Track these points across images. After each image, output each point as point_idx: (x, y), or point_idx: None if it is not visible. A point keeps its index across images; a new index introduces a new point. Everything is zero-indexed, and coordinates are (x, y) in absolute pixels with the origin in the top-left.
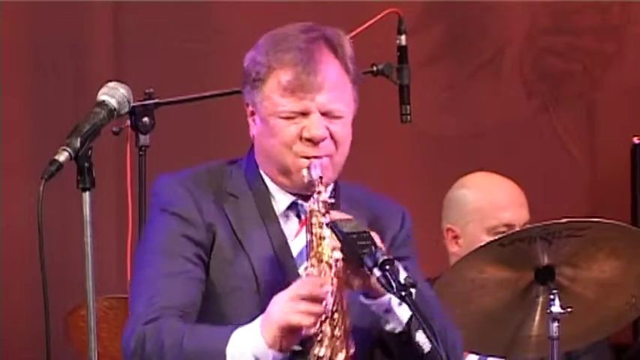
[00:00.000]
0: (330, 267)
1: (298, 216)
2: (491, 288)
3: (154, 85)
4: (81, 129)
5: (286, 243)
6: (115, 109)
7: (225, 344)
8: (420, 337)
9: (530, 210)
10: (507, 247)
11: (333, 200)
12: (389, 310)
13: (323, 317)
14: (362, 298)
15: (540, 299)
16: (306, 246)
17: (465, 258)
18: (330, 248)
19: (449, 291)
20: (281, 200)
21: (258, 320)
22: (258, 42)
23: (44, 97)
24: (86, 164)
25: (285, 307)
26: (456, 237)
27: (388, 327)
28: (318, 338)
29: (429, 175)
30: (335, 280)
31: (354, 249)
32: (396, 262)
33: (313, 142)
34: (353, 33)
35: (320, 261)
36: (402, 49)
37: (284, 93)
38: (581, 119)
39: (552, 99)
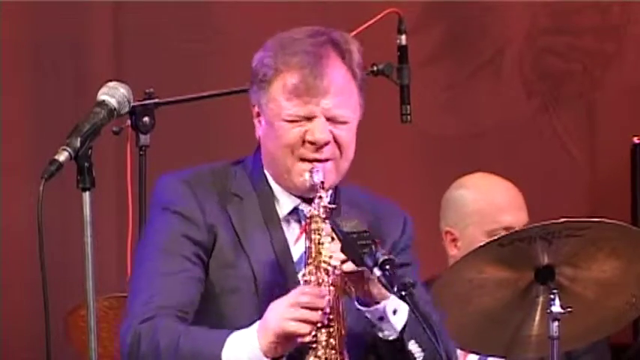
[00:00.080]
0: (328, 274)
1: (299, 221)
2: (490, 288)
3: (154, 85)
4: (81, 129)
5: (288, 248)
6: (115, 109)
7: (221, 348)
8: (413, 347)
9: (530, 210)
10: (507, 247)
11: (334, 206)
12: (383, 317)
13: (319, 325)
14: (357, 305)
15: (540, 299)
16: (305, 252)
17: (465, 258)
18: (329, 255)
19: (448, 291)
20: (285, 203)
21: (255, 326)
22: (266, 43)
23: (44, 97)
24: (86, 164)
25: (283, 314)
26: (454, 240)
27: (382, 334)
28: (313, 346)
29: (429, 175)
30: (332, 288)
31: (354, 248)
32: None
33: (316, 145)
34: (353, 33)
35: (318, 268)
36: (402, 49)
37: (290, 96)
38: (581, 119)
39: (552, 99)
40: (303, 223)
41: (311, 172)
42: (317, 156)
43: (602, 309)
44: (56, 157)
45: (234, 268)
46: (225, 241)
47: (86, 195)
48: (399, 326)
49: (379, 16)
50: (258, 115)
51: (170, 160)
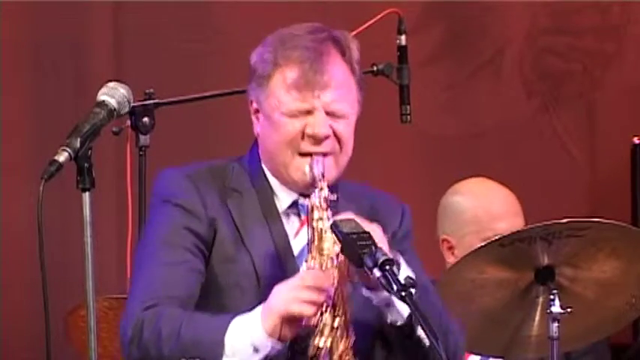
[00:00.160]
0: (332, 260)
1: (298, 215)
2: (491, 288)
3: (154, 85)
4: (81, 129)
5: (288, 241)
6: (114, 109)
7: (224, 333)
8: (422, 332)
9: (530, 210)
10: (507, 247)
11: (334, 197)
12: (390, 303)
13: (324, 308)
14: (364, 291)
15: (540, 299)
16: (308, 240)
17: (465, 258)
18: (332, 242)
19: (449, 291)
20: (283, 198)
21: (258, 309)
22: (266, 39)
23: (44, 97)
24: (86, 164)
25: (287, 296)
26: (451, 248)
27: (389, 320)
28: (319, 329)
29: (429, 175)
30: (336, 271)
31: (354, 249)
32: (398, 255)
33: (316, 139)
34: (353, 33)
35: (321, 254)
36: (402, 49)
37: (289, 90)
38: (581, 119)
39: (552, 99)
40: (303, 216)
41: (311, 164)
42: (316, 149)
43: (602, 309)
44: (56, 157)
45: (235, 263)
46: (226, 235)
47: (86, 195)
48: (406, 312)
49: (379, 16)
50: (257, 111)
51: (170, 160)
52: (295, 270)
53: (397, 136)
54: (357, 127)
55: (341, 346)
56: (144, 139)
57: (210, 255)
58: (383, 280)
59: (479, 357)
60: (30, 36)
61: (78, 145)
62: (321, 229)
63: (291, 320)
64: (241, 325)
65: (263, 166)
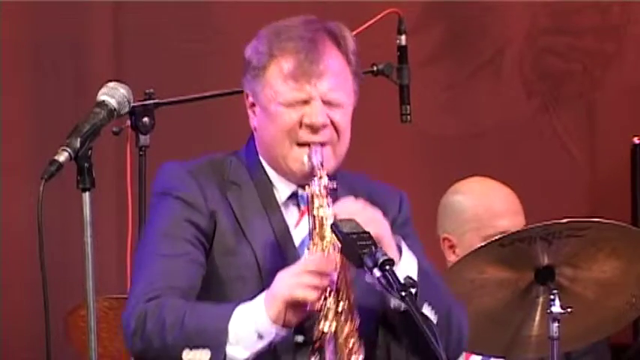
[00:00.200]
0: (334, 245)
1: (298, 206)
2: (491, 288)
3: (154, 85)
4: (81, 129)
5: (288, 232)
6: (115, 109)
7: (228, 321)
8: (426, 310)
9: (530, 210)
10: (507, 247)
11: (334, 185)
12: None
13: (327, 292)
14: (367, 277)
15: (540, 299)
16: (309, 228)
17: (465, 258)
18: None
19: None
20: (282, 190)
21: (262, 296)
22: (260, 32)
23: (44, 97)
24: (86, 164)
25: (291, 282)
26: (452, 246)
27: (393, 305)
28: (323, 313)
29: (429, 175)
30: (339, 256)
31: (354, 249)
32: (400, 240)
33: (313, 128)
34: (353, 33)
35: (323, 240)
36: (402, 49)
37: (286, 80)
38: (581, 119)
39: (552, 99)
40: (303, 207)
41: (309, 153)
42: (314, 139)
43: (602, 309)
44: (56, 157)
45: (236, 255)
46: (227, 227)
47: (86, 195)
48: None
49: (379, 16)
50: (253, 105)
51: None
52: (297, 260)
53: (397, 136)
54: (357, 127)
55: (346, 330)
56: (144, 139)
57: (211, 247)
58: (383, 280)
59: (479, 357)
60: (30, 36)
61: (78, 145)
62: (322, 217)
63: (295, 305)
64: (245, 312)
65: (260, 158)
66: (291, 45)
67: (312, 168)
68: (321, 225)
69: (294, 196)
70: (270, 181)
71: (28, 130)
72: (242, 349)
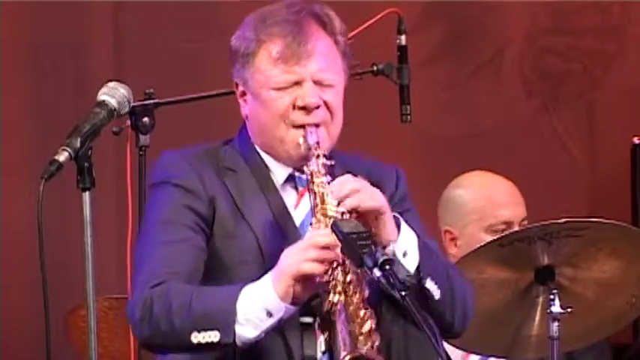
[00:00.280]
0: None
1: (295, 188)
2: (491, 288)
3: (154, 85)
4: (81, 129)
5: (288, 212)
6: (115, 109)
7: (235, 301)
8: (430, 284)
9: (530, 210)
10: (507, 247)
11: (332, 162)
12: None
13: (334, 265)
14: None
15: (540, 299)
16: (311, 205)
17: (465, 258)
18: (335, 203)
19: None
20: (279, 173)
21: (269, 275)
22: (244, 21)
23: (44, 97)
24: (86, 164)
25: (297, 257)
26: (454, 239)
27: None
28: (332, 285)
29: (429, 175)
30: None
31: (354, 249)
32: (399, 218)
33: (307, 109)
34: (353, 33)
35: (325, 216)
36: (402, 49)
37: (276, 63)
38: (581, 119)
39: (552, 99)
40: (301, 188)
41: (304, 134)
42: (308, 120)
43: (602, 309)
44: (56, 157)
45: (237, 239)
46: (226, 212)
47: (86, 195)
48: (411, 268)
49: (379, 16)
50: (243, 94)
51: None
52: (298, 240)
53: (397, 136)
54: (357, 127)
55: (355, 300)
56: (144, 139)
57: (211, 233)
58: (383, 280)
59: (479, 357)
60: (30, 36)
61: (78, 144)
62: (323, 193)
63: (303, 280)
64: (253, 291)
65: (254, 145)
66: (278, 29)
67: (309, 149)
68: (323, 201)
69: (291, 179)
70: (266, 166)
71: (28, 130)
72: (251, 329)
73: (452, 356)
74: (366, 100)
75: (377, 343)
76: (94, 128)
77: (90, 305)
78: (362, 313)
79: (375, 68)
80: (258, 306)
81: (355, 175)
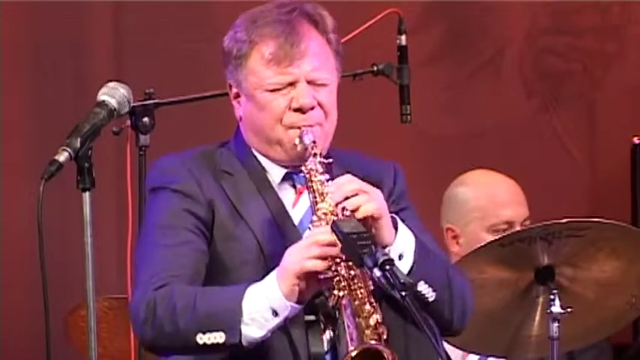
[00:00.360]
0: (337, 216)
1: (294, 186)
2: (491, 288)
3: (154, 85)
4: (81, 129)
5: (285, 211)
6: (115, 109)
7: (241, 300)
8: (423, 288)
9: (530, 210)
10: (507, 247)
11: (330, 160)
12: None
13: (337, 261)
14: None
15: (540, 299)
16: (310, 203)
17: (465, 258)
18: (335, 201)
19: None
20: (275, 173)
21: (273, 274)
22: (235, 22)
23: (44, 97)
24: (86, 164)
25: (300, 255)
26: (455, 237)
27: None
28: (336, 280)
29: (429, 175)
30: None
31: (354, 249)
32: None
33: (302, 111)
34: (353, 33)
35: (326, 214)
36: (402, 49)
37: (269, 65)
38: (581, 119)
39: (552, 99)
40: (299, 186)
41: (300, 135)
42: (304, 121)
43: (602, 309)
44: (56, 157)
45: (237, 241)
46: (224, 214)
47: (86, 195)
48: (406, 269)
49: (379, 16)
50: (237, 95)
51: None
52: (298, 238)
53: (397, 136)
54: (357, 127)
55: (360, 294)
56: (144, 139)
57: (212, 236)
58: (383, 280)
59: (478, 357)
60: (30, 36)
61: (78, 144)
62: (322, 191)
63: (306, 278)
64: (258, 291)
65: (250, 146)
66: (269, 30)
67: (305, 149)
68: (323, 200)
69: (288, 178)
70: (263, 167)
71: (28, 130)
72: (257, 328)
73: (452, 356)
74: (366, 100)
75: (384, 336)
76: (94, 128)
77: (90, 305)
78: (367, 307)
79: (375, 68)
80: (263, 305)
81: (353, 173)
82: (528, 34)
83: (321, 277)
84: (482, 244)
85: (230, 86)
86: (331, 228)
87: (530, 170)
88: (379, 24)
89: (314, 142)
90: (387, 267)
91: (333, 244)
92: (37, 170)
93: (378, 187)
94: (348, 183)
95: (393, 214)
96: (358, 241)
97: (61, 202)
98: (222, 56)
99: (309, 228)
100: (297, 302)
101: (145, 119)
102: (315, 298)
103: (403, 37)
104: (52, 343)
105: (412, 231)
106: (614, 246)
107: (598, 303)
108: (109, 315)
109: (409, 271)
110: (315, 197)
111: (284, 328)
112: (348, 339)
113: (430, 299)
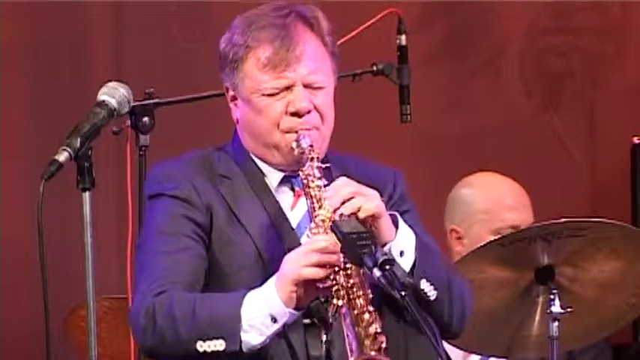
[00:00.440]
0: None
1: (292, 189)
2: (491, 288)
3: (154, 85)
4: (81, 129)
5: (283, 213)
6: (115, 109)
7: (240, 307)
8: (425, 286)
9: None
10: (507, 247)
11: (327, 165)
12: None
13: (336, 269)
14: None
15: (540, 299)
16: (308, 209)
17: (465, 258)
18: (332, 207)
19: None
20: (273, 177)
21: (272, 280)
22: (232, 24)
23: (44, 97)
24: (86, 164)
25: (298, 262)
26: (459, 238)
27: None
28: (335, 289)
29: (429, 175)
30: None
31: (354, 249)
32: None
33: (299, 115)
34: (353, 33)
35: (324, 220)
36: (402, 49)
37: (265, 69)
38: (582, 119)
39: (552, 99)
40: (297, 189)
41: (297, 140)
42: (301, 126)
43: (602, 309)
44: (56, 157)
45: (235, 246)
46: (222, 219)
47: (86, 195)
48: (407, 267)
49: (379, 16)
50: (234, 98)
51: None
52: (296, 241)
53: (397, 136)
54: (357, 127)
55: (359, 303)
56: (144, 139)
57: (210, 242)
58: (383, 280)
59: (479, 357)
60: (30, 36)
61: (78, 144)
62: (320, 197)
63: (305, 285)
64: (257, 297)
65: (247, 150)
66: (265, 34)
67: (302, 152)
68: (320, 206)
69: (286, 181)
70: (260, 170)
71: (28, 130)
72: (256, 335)
73: (452, 356)
74: (366, 100)
75: (384, 345)
76: (94, 128)
77: (90, 305)
78: (367, 316)
79: (375, 68)
80: (262, 312)
81: (352, 177)
82: (528, 34)
83: (320, 285)
84: (482, 244)
85: (227, 89)
86: (331, 228)
87: (530, 170)
88: (379, 24)
89: (311, 145)
90: (387, 267)
91: (332, 252)
92: (37, 170)
93: (377, 191)
94: (344, 186)
95: (393, 212)
96: (358, 241)
97: (61, 202)
98: (218, 59)
99: (308, 235)
100: (296, 308)
101: (145, 119)
102: (312, 301)
103: (403, 37)
104: (52, 343)
105: (413, 231)
106: (614, 246)
107: (598, 303)
108: (109, 315)
109: (411, 268)
110: (313, 203)
111: (282, 332)
112: (348, 349)
113: (431, 298)
